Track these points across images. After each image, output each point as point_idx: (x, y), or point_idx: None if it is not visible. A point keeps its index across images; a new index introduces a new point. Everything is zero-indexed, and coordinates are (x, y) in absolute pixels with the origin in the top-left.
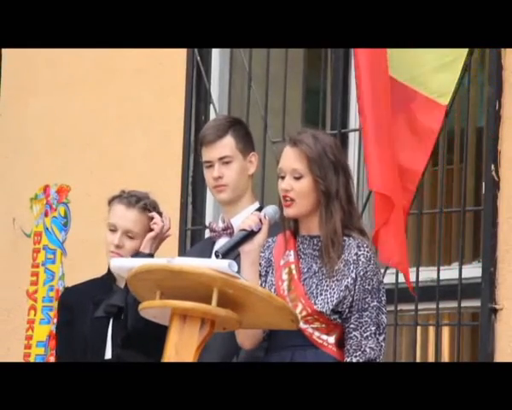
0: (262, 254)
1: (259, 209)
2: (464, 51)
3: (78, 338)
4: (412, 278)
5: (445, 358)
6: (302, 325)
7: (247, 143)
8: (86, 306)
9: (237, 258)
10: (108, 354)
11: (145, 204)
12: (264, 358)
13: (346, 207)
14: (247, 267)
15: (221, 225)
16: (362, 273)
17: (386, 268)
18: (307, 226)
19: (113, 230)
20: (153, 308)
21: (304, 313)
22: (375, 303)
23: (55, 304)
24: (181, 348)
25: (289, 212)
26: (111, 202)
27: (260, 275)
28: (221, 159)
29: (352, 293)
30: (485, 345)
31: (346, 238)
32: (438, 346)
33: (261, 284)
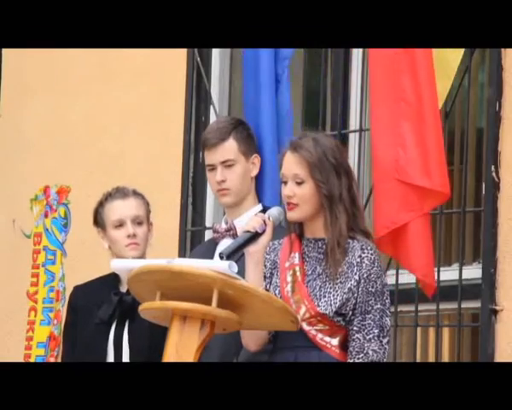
0: (268, 257)
1: (263, 211)
2: (459, 53)
3: (81, 340)
4: (411, 278)
5: (446, 359)
6: (306, 327)
7: (249, 145)
8: (91, 308)
9: (241, 259)
10: (111, 359)
11: (133, 190)
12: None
13: (350, 209)
14: (251, 268)
15: (224, 226)
16: (365, 276)
17: (387, 269)
18: (312, 229)
19: (120, 225)
20: (153, 309)
21: (307, 315)
22: (379, 306)
23: (55, 305)
24: (181, 348)
25: (292, 216)
26: (99, 208)
27: (265, 277)
28: (223, 162)
29: (356, 295)
30: (485, 346)
31: (350, 241)
32: (438, 347)
33: (266, 286)
